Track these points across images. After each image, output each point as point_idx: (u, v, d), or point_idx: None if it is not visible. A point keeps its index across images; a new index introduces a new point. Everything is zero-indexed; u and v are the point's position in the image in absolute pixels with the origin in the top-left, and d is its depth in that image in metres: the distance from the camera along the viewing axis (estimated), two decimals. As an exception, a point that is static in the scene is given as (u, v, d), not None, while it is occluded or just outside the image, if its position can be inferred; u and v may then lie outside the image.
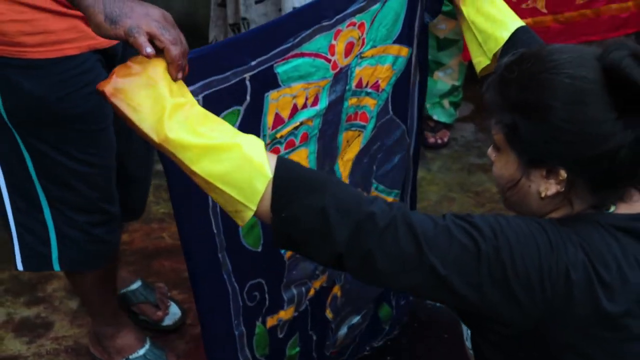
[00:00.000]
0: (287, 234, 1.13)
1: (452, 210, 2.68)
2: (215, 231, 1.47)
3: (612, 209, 1.19)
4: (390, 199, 1.89)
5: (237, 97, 1.38)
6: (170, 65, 1.11)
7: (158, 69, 1.11)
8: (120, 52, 1.73)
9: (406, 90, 1.82)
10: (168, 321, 2.22)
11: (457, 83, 2.98)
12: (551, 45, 1.21)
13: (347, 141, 1.71)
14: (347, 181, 1.74)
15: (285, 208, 1.11)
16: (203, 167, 1.09)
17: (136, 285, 2.23)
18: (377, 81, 1.70)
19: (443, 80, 2.96)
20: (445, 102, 3.01)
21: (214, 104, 1.31)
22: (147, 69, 1.11)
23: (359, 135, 1.73)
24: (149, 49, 1.09)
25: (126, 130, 1.80)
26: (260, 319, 1.65)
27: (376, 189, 1.86)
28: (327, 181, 1.13)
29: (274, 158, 1.13)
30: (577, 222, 1.16)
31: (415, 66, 1.81)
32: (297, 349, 1.78)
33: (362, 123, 1.72)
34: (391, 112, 1.79)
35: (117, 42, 1.64)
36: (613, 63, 1.10)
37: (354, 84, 1.64)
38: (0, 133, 1.65)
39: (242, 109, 1.40)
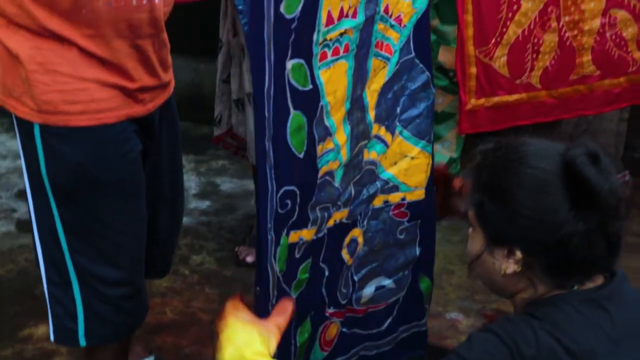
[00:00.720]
0: None
1: (451, 283, 2.71)
2: (266, 115, 1.49)
3: (576, 287, 1.28)
4: (417, 149, 1.90)
5: None
6: None
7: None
8: (157, 123, 1.82)
9: (427, 37, 1.87)
10: None
11: (455, 155, 3.04)
12: (523, 138, 1.35)
13: (374, 70, 1.75)
14: (372, 113, 1.78)
15: None
16: None
17: (149, 359, 2.24)
18: (400, 15, 1.76)
19: (441, 153, 3.01)
20: (444, 174, 3.06)
21: None
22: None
23: (384, 67, 1.77)
24: None
25: (155, 191, 1.90)
26: (285, 231, 1.63)
27: (400, 133, 1.88)
28: None
29: None
30: (539, 307, 1.26)
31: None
32: (307, 275, 1.75)
33: (387, 55, 1.77)
34: (414, 53, 1.84)
35: (153, 111, 1.78)
36: (570, 159, 1.23)
37: (382, 7, 1.70)
38: (39, 202, 1.73)
39: None
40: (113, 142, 1.71)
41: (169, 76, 1.83)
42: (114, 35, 1.64)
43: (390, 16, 1.74)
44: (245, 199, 3.21)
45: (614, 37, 2.59)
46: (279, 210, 1.59)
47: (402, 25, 1.77)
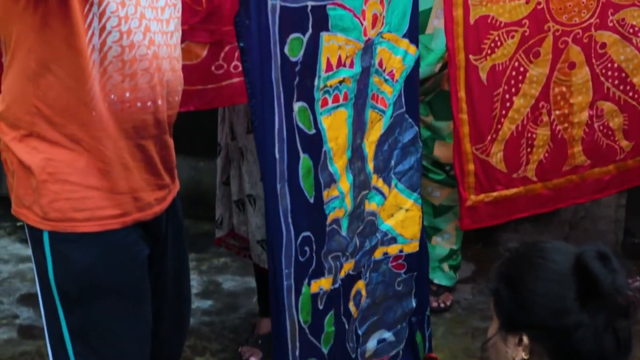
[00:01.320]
0: None
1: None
2: (277, 156, 1.50)
3: None
4: (410, 202, 1.94)
5: (301, 24, 1.50)
6: None
7: None
8: (163, 225, 1.85)
9: (415, 93, 1.94)
10: None
11: (455, 247, 3.07)
12: (545, 240, 1.42)
13: (372, 122, 1.80)
14: (371, 164, 1.82)
15: None
16: None
17: None
18: (392, 70, 1.82)
19: (441, 245, 3.05)
20: (445, 266, 3.09)
21: (286, 20, 1.44)
22: None
23: (379, 120, 1.83)
24: None
25: (161, 294, 1.90)
26: (307, 280, 1.62)
27: (396, 186, 1.92)
28: None
29: None
30: None
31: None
32: (333, 328, 1.73)
33: (382, 107, 1.83)
34: (404, 108, 1.90)
35: (159, 214, 1.81)
36: (580, 254, 1.32)
37: (377, 61, 1.76)
38: (48, 307, 1.75)
39: (304, 39, 1.51)
40: (119, 248, 1.74)
41: (172, 178, 1.87)
42: (119, 135, 1.69)
43: (384, 70, 1.81)
44: (247, 297, 3.21)
45: (601, 127, 2.69)
46: (300, 259, 1.60)
47: (395, 80, 1.85)
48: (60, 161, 1.68)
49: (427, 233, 3.02)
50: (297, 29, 1.50)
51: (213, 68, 2.50)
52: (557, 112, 2.58)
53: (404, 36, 1.84)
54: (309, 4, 1.50)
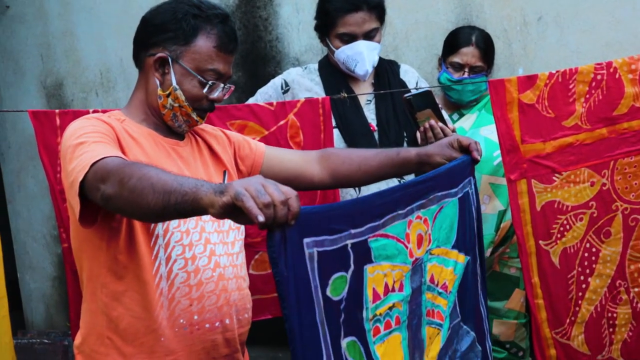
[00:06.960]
0: None
1: None
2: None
3: None
4: None
5: (343, 263, 1.49)
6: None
7: None
8: None
9: (472, 294, 1.91)
10: None
11: None
12: None
13: (430, 337, 1.76)
14: None
15: None
16: None
17: None
18: (445, 282, 1.81)
19: None
20: None
21: (326, 263, 1.44)
22: None
23: (438, 334, 1.79)
24: (261, 217, 1.26)
25: None
26: None
27: None
28: None
29: None
30: None
31: (475, 272, 1.94)
32: None
33: (439, 321, 1.80)
34: (460, 317, 1.87)
35: None
36: None
37: (427, 278, 1.75)
38: None
39: (348, 276, 1.50)
40: None
41: None
42: (190, 358, 1.73)
43: (437, 285, 1.81)
44: None
45: (685, 301, 2.61)
46: None
47: (448, 292, 1.85)
48: None
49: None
50: (340, 268, 1.50)
51: (286, 276, 2.59)
52: (637, 290, 2.54)
53: (453, 247, 1.87)
54: (349, 242, 1.50)
